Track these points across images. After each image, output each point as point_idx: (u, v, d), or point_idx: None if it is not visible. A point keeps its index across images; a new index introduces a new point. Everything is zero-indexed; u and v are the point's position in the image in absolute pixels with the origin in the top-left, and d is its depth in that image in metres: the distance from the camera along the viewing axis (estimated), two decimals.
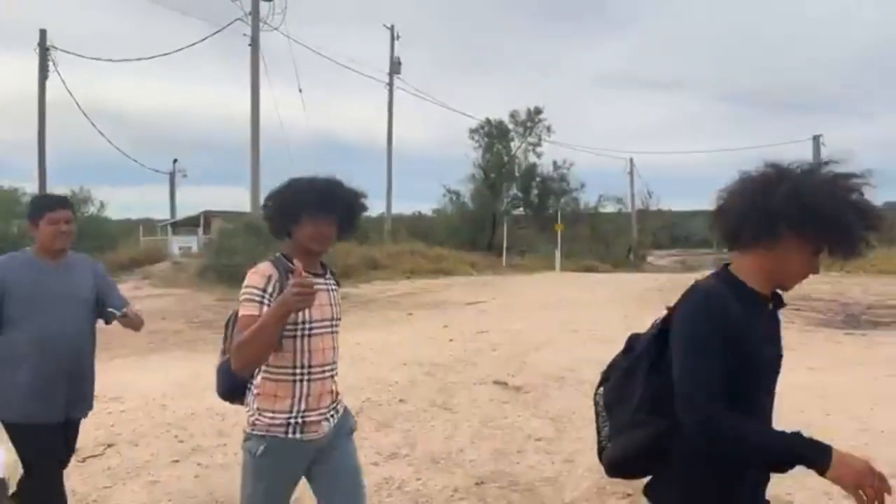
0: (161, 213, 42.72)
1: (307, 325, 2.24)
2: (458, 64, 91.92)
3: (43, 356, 2.87)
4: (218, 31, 24.08)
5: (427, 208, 45.26)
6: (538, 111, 37.56)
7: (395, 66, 30.92)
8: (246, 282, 2.19)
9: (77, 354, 2.99)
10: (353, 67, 41.33)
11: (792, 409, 5.59)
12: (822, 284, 16.99)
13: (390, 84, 30.90)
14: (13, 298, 2.86)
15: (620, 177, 45.24)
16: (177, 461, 4.67)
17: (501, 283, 19.03)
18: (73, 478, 3.52)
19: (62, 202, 3.03)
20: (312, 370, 2.27)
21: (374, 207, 32.03)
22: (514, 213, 39.93)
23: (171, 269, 21.78)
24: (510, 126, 37.90)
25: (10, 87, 61.74)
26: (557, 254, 27.15)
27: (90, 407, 3.15)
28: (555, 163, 39.05)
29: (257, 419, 2.25)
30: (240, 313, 2.16)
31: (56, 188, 24.97)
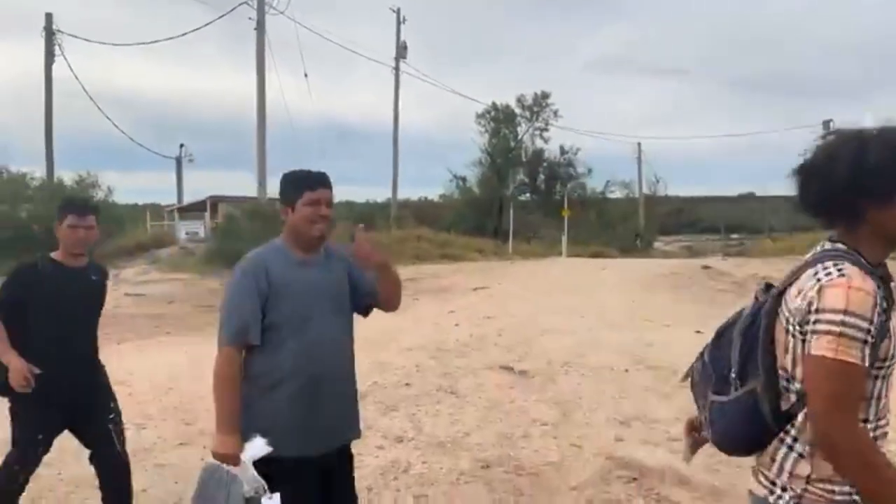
0: (168, 198, 42.76)
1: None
2: (465, 48, 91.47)
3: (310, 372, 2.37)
4: (223, 15, 23.99)
5: (434, 194, 45.29)
6: (545, 95, 37.43)
7: (401, 51, 30.73)
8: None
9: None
10: (359, 52, 41.09)
11: None
12: None
13: (396, 68, 30.76)
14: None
15: (628, 162, 45.08)
16: (184, 444, 4.70)
17: (508, 268, 19.01)
18: (78, 462, 3.54)
19: (322, 180, 2.42)
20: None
21: (381, 193, 31.92)
22: (521, 198, 39.86)
23: (178, 253, 21.87)
24: (517, 111, 37.81)
25: (17, 71, 61.85)
26: (564, 239, 27.10)
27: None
28: (562, 148, 38.98)
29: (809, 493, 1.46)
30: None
31: (63, 173, 25.07)
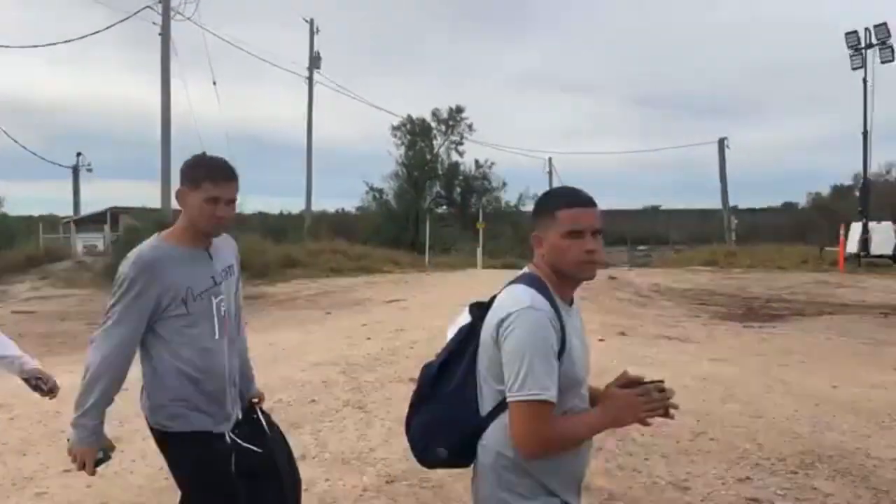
0: (65, 210, 40.41)
1: None
2: (380, 60, 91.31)
3: None
4: (125, 19, 22.95)
5: (351, 206, 44.92)
6: (460, 110, 37.96)
7: (314, 61, 30.39)
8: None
9: None
10: (271, 61, 40.34)
11: (692, 398, 5.84)
12: (726, 280, 17.91)
13: (310, 79, 30.38)
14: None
15: (540, 176, 46.21)
16: (68, 471, 4.37)
17: (424, 280, 19.04)
18: None
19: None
20: None
21: (295, 205, 31.42)
22: (438, 210, 40.15)
23: (73, 268, 20.62)
24: (432, 124, 38.11)
25: None
26: (479, 251, 27.44)
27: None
28: (477, 161, 39.61)
29: None
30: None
31: None
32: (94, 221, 31.52)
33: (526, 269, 1.78)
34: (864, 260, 22.95)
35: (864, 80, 24.48)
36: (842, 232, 22.71)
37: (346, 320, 10.89)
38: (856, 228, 23.73)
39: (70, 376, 7.21)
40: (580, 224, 1.68)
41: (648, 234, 51.97)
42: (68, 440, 2.27)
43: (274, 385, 6.42)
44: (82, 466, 2.25)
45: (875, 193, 30.40)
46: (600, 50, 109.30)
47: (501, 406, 1.65)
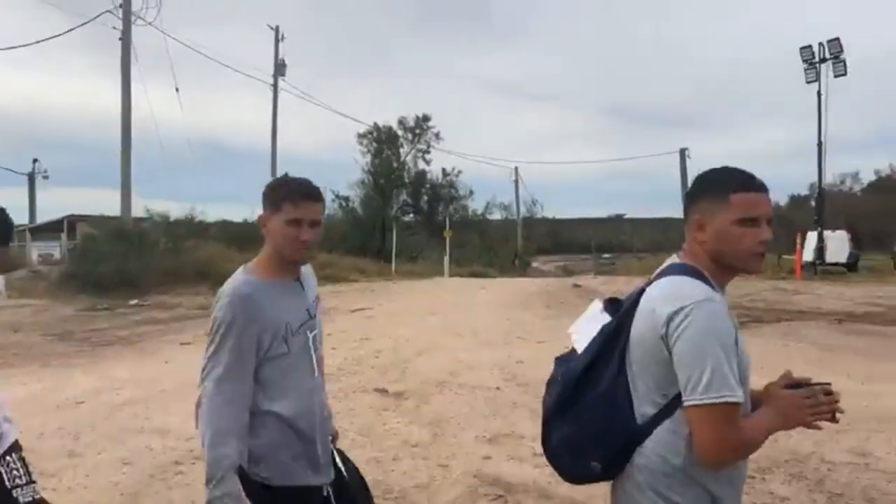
0: (20, 218, 39.22)
1: None
2: (346, 68, 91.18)
3: None
4: (83, 24, 22.45)
5: None
6: (426, 118, 38.01)
7: (279, 68, 30.15)
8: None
9: None
10: (235, 67, 39.95)
11: None
12: None
13: (275, 85, 30.13)
14: None
15: (507, 185, 46.56)
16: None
17: (390, 289, 18.95)
18: None
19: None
20: None
21: (258, 213, 31.07)
22: (404, 219, 40.05)
23: (27, 277, 20.02)
24: (399, 132, 38.07)
25: None
26: (446, 260, 27.46)
27: None
28: (444, 170, 39.67)
29: None
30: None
31: None
32: (50, 229, 30.69)
33: (674, 259, 1.64)
34: (820, 268, 23.58)
35: (819, 93, 25.25)
36: (798, 241, 23.32)
37: None
38: (812, 237, 24.39)
39: (24, 388, 7.01)
40: (756, 211, 1.52)
41: (613, 242, 52.71)
42: None
43: None
44: None
45: (830, 203, 31.31)
46: (566, 60, 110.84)
47: (666, 411, 1.50)
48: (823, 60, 25.34)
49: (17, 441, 2.01)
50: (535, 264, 42.16)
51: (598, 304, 1.76)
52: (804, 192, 41.66)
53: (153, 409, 5.94)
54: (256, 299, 1.97)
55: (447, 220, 32.99)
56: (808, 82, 25.68)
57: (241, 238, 27.91)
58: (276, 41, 30.33)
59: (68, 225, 29.04)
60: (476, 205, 41.24)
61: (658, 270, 1.64)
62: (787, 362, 8.34)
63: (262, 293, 1.99)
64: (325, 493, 2.11)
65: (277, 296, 2.03)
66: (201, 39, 65.65)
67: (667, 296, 1.51)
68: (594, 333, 1.66)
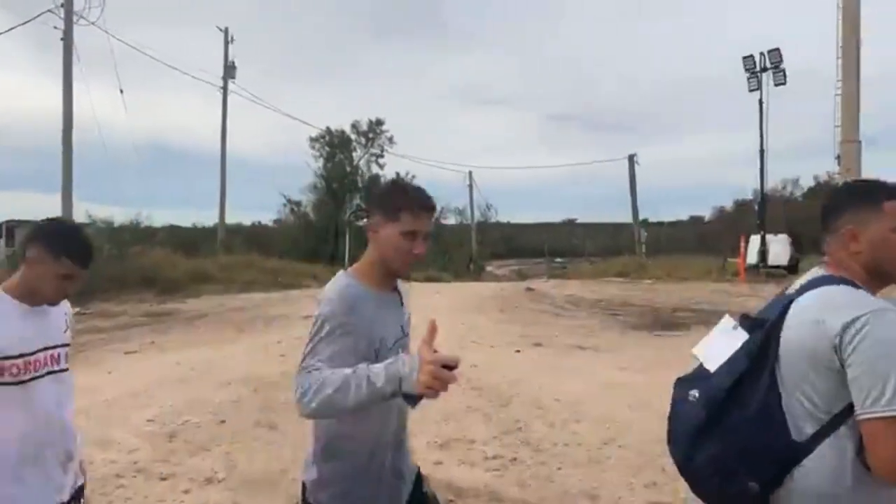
0: None
1: None
2: (298, 72, 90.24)
3: None
4: (23, 24, 21.60)
5: (268, 219, 43.86)
6: (380, 122, 37.89)
7: (229, 70, 29.61)
8: None
9: None
10: (183, 69, 39.06)
11: (602, 406, 6.00)
12: (636, 291, 18.59)
13: (224, 88, 29.55)
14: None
15: (461, 190, 46.69)
16: None
17: None
18: None
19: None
20: None
21: (209, 217, 30.44)
22: (358, 223, 39.77)
23: None
24: (352, 136, 37.84)
25: None
26: None
27: None
28: (397, 174, 39.51)
29: None
30: None
31: None
32: None
33: (819, 271, 1.60)
34: (763, 270, 24.38)
35: (760, 102, 26.14)
36: (742, 244, 24.06)
37: (260, 337, 10.58)
38: (755, 241, 25.21)
39: None
40: None
41: (565, 246, 53.39)
42: None
43: (180, 406, 6.15)
44: None
45: (772, 208, 32.41)
46: (519, 66, 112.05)
47: (828, 428, 1.44)
48: (764, 70, 26.25)
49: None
50: (489, 269, 42.38)
51: (730, 321, 1.67)
52: (748, 196, 43.00)
53: (94, 421, 5.73)
54: (359, 307, 1.83)
55: None
56: (751, 91, 26.56)
57: (188, 243, 27.33)
58: (226, 43, 29.80)
59: (7, 231, 27.88)
60: None
61: (801, 283, 1.60)
62: None
63: (364, 301, 1.85)
64: None
65: (377, 307, 1.89)
66: (148, 40, 64.18)
67: (835, 306, 1.45)
68: (730, 350, 1.59)
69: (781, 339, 1.50)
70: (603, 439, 5.11)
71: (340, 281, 1.90)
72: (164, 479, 4.47)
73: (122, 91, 25.51)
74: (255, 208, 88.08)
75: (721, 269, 25.30)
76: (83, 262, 2.02)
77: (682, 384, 1.68)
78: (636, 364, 8.24)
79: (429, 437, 5.25)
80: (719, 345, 1.62)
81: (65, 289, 2.04)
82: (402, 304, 2.02)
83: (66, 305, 2.20)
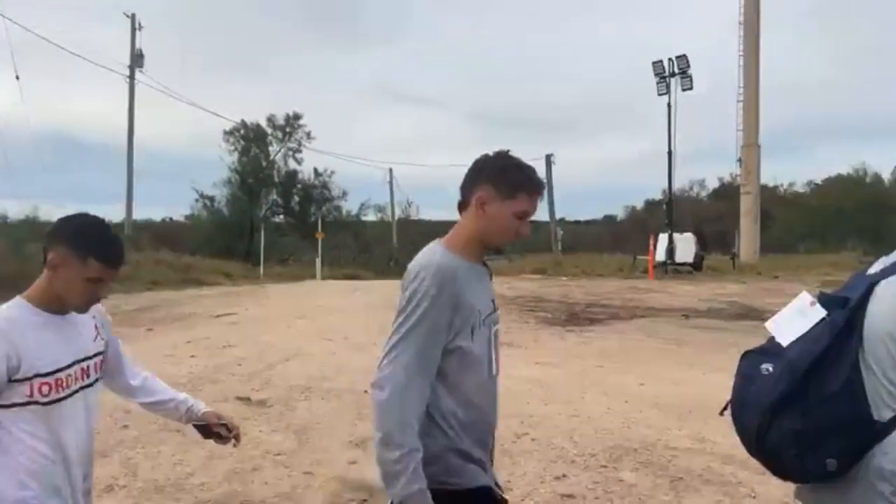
0: None
1: None
2: (212, 63, 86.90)
3: None
4: None
5: (180, 214, 42.20)
6: (297, 117, 37.17)
7: (136, 59, 28.27)
8: None
9: None
10: (88, 57, 36.90)
11: (517, 401, 6.10)
12: (553, 287, 19.06)
13: (131, 77, 28.19)
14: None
15: (381, 186, 46.45)
16: None
17: (257, 293, 18.28)
18: None
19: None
20: None
21: (116, 212, 29.05)
22: (275, 220, 38.90)
23: None
24: (268, 130, 36.94)
25: None
26: (318, 262, 26.92)
27: None
28: (316, 170, 38.89)
29: None
30: None
31: None
32: None
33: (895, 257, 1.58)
34: (670, 267, 25.54)
35: (669, 105, 27.35)
36: (651, 242, 25.11)
37: (168, 337, 10.15)
38: (663, 239, 26.36)
39: None
40: None
41: None
42: None
43: None
44: None
45: (679, 208, 33.99)
46: (440, 64, 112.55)
47: None
48: (673, 75, 27.47)
49: None
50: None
51: (807, 297, 1.65)
52: (658, 196, 44.92)
53: None
54: (460, 277, 1.76)
55: (320, 221, 32.38)
56: (660, 95, 27.74)
57: None
58: (133, 30, 28.44)
59: None
60: (350, 206, 40.81)
61: (884, 264, 1.59)
62: (643, 355, 8.93)
63: (463, 272, 1.79)
64: (499, 497, 1.89)
65: (473, 280, 1.83)
66: (49, 25, 60.19)
67: None
68: (806, 327, 1.58)
69: (866, 320, 1.50)
70: (516, 433, 5.20)
71: (435, 251, 1.83)
72: None
73: (17, 77, 23.88)
74: (167, 204, 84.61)
75: (632, 266, 26.31)
76: (113, 264, 1.82)
77: (753, 357, 1.66)
78: (551, 359, 8.44)
79: (343, 437, 5.19)
80: (794, 321, 1.61)
81: (95, 294, 1.83)
82: (490, 278, 1.98)
83: (93, 307, 1.96)
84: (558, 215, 39.86)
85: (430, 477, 1.73)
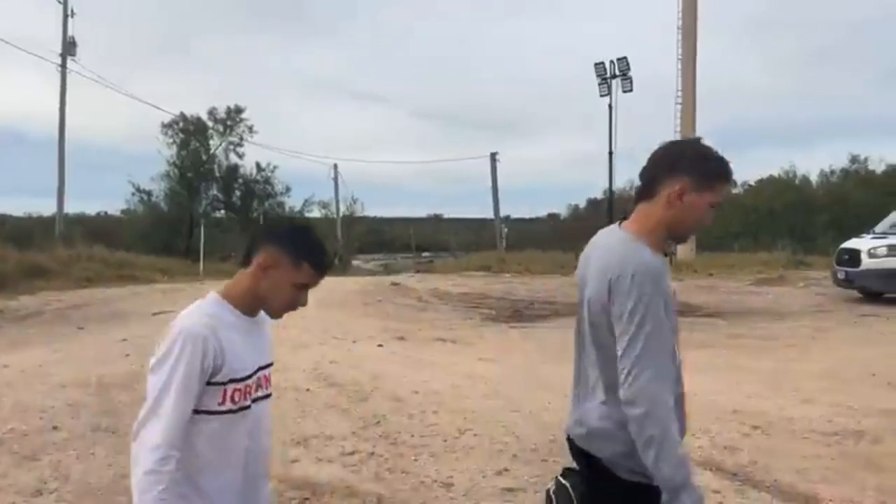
0: None
1: None
2: (151, 54, 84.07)
3: None
4: None
5: (115, 209, 40.72)
6: (239, 110, 36.32)
7: (69, 47, 27.09)
8: None
9: None
10: (18, 45, 35.08)
11: (461, 397, 6.16)
12: (497, 284, 19.26)
13: (63, 66, 26.99)
14: None
15: (326, 182, 45.94)
16: None
17: (197, 290, 17.83)
18: None
19: None
20: None
21: (46, 206, 27.85)
22: (215, 215, 37.97)
23: None
24: (209, 123, 36.01)
25: None
26: None
27: None
28: (258, 164, 38.11)
29: None
30: None
31: None
32: None
33: None
34: None
35: (610, 106, 27.95)
36: None
37: (101, 336, 9.82)
38: None
39: None
40: None
41: (431, 241, 54.17)
42: None
43: (5, 413, 5.59)
44: None
45: (620, 206, 34.77)
46: (385, 60, 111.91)
47: None
48: (614, 76, 28.06)
49: None
50: (356, 263, 42.07)
51: None
52: (600, 195, 45.85)
53: None
54: (662, 270, 1.72)
55: (262, 217, 31.80)
56: (602, 96, 28.32)
57: (21, 235, 24.78)
58: (65, 16, 27.22)
59: None
60: (293, 202, 40.14)
61: None
62: None
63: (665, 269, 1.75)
64: None
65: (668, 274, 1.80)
66: None
67: None
68: None
69: None
70: (459, 429, 5.25)
71: (643, 252, 1.74)
72: None
73: None
74: (101, 197, 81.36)
75: (574, 263, 26.79)
76: (324, 271, 1.81)
77: None
78: (494, 355, 8.55)
79: (285, 435, 5.12)
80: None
81: (298, 300, 1.80)
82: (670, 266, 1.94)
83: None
84: (503, 213, 40.26)
85: (632, 471, 1.72)
